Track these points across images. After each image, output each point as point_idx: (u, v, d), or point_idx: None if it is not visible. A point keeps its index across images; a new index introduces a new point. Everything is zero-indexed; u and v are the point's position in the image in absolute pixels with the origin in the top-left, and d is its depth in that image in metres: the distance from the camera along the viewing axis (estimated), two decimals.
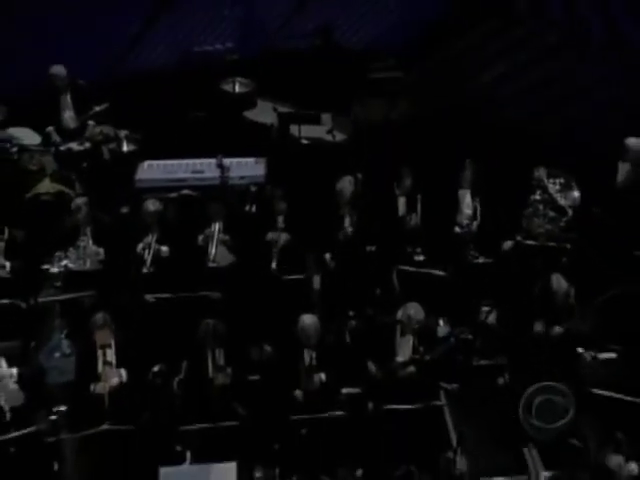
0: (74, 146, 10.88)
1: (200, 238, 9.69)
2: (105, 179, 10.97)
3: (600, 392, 7.82)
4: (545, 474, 7.66)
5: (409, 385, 8.12)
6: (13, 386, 7.78)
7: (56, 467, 7.66)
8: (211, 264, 9.54)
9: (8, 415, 7.64)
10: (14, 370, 7.88)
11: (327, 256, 9.82)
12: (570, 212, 9.84)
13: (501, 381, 8.56)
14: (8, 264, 9.26)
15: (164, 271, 9.39)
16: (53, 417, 7.66)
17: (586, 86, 11.85)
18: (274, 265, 9.57)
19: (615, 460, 7.00)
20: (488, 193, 10.05)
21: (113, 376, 8.00)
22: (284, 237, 9.74)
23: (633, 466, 7.05)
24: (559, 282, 8.70)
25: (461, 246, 9.86)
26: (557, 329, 8.63)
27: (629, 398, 7.66)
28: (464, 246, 9.85)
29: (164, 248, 9.41)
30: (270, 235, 9.80)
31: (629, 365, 8.28)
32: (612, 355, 8.31)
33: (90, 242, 9.49)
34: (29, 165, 10.78)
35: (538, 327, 8.69)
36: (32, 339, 8.81)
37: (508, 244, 9.72)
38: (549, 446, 7.89)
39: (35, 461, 7.60)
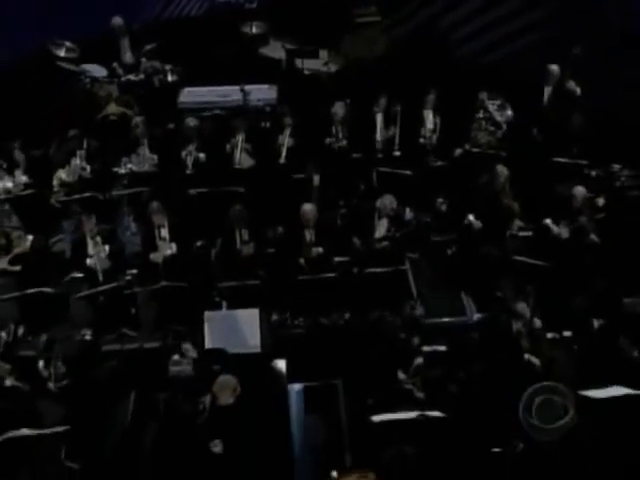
0: (132, 77, 11.05)
1: (228, 146, 9.81)
2: (156, 102, 11.03)
3: (518, 258, 8.13)
4: (477, 315, 8.29)
5: (383, 255, 8.53)
6: (104, 256, 8.20)
7: (133, 311, 8.30)
8: (236, 166, 9.73)
9: (100, 275, 8.11)
10: (107, 246, 8.28)
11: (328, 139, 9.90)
12: (505, 127, 9.90)
13: (450, 251, 8.97)
14: (88, 167, 9.47)
15: (202, 172, 9.59)
16: (128, 277, 8.21)
17: (523, 28, 11.64)
18: (282, 160, 9.76)
19: (520, 305, 7.31)
20: (445, 112, 10.02)
21: (166, 248, 8.43)
22: (290, 142, 9.81)
23: (522, 305, 7.35)
24: (502, 170, 8.82)
25: (424, 153, 9.92)
26: (477, 222, 8.65)
27: (538, 262, 8.00)
28: (426, 153, 9.92)
29: (201, 155, 9.56)
30: (280, 139, 9.84)
31: (541, 239, 8.55)
32: (529, 233, 8.67)
33: (147, 150, 9.65)
34: (99, 92, 10.91)
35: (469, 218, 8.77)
36: (109, 223, 9.05)
37: (459, 151, 9.87)
38: (480, 295, 8.44)
39: (118, 307, 8.15)
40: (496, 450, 6.55)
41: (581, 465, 6.46)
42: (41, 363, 7.02)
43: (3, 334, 7.70)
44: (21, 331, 8.00)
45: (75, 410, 6.78)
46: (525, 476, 6.49)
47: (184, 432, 6.65)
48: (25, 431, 6.24)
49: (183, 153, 9.65)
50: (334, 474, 6.11)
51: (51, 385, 7.01)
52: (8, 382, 6.88)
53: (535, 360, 7.11)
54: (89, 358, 7.57)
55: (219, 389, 6.56)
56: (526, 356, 7.16)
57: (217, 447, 6.38)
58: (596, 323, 7.55)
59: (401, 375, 7.14)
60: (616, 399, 6.46)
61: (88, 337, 7.92)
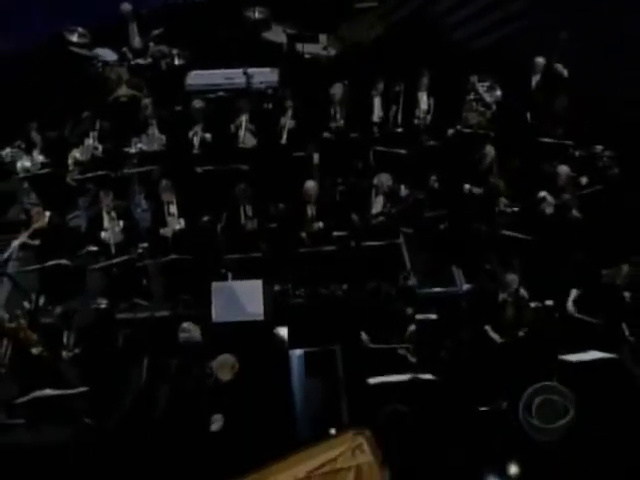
0: (141, 61, 11.15)
1: (232, 127, 9.81)
2: (163, 85, 11.08)
3: (506, 233, 8.28)
4: (466, 286, 8.45)
5: (379, 229, 8.69)
6: (118, 230, 8.35)
7: (144, 282, 8.47)
8: (241, 145, 9.76)
9: (112, 248, 8.28)
10: (121, 222, 8.43)
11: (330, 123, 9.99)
12: (494, 107, 10.05)
13: (442, 226, 8.92)
14: (100, 147, 9.55)
15: (207, 151, 9.67)
16: (140, 250, 8.39)
17: (514, 15, 11.73)
18: (284, 140, 9.81)
19: (510, 277, 7.41)
20: (438, 94, 10.08)
21: (175, 223, 8.56)
22: (291, 123, 9.86)
23: (512, 276, 7.45)
24: (490, 150, 8.99)
25: (418, 133, 9.99)
26: (477, 189, 8.89)
27: (524, 237, 8.19)
28: (420, 133, 9.99)
29: (207, 135, 9.63)
30: (282, 120, 9.87)
31: (527, 215, 8.63)
32: (516, 208, 8.70)
33: (156, 131, 9.73)
34: (110, 75, 11.01)
35: (466, 186, 9.00)
36: (122, 200, 8.98)
37: (451, 131, 9.97)
38: (470, 267, 8.59)
39: (130, 278, 8.33)
40: (482, 409, 6.85)
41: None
42: (65, 333, 7.22)
43: (26, 303, 7.91)
44: (42, 301, 8.20)
45: (94, 373, 7.00)
46: (509, 433, 6.74)
47: (194, 393, 6.85)
48: (49, 391, 6.50)
49: (190, 133, 9.72)
50: (332, 431, 6.40)
51: (64, 353, 7.21)
52: (35, 351, 7.08)
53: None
54: (105, 326, 7.76)
55: (218, 367, 6.79)
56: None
57: (216, 423, 6.63)
58: (575, 293, 7.67)
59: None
60: (592, 362, 6.70)
61: (103, 306, 8.09)
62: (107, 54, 11.17)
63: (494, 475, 6.56)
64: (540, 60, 10.02)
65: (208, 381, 6.90)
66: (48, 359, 7.04)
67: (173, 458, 6.55)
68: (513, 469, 6.54)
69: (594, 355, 6.73)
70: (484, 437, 6.71)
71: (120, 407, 7.15)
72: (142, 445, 6.75)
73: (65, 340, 7.26)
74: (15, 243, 8.24)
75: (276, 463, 5.88)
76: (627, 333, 7.23)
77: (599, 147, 9.30)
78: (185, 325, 7.36)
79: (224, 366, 6.82)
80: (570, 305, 7.59)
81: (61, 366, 7.03)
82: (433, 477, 6.53)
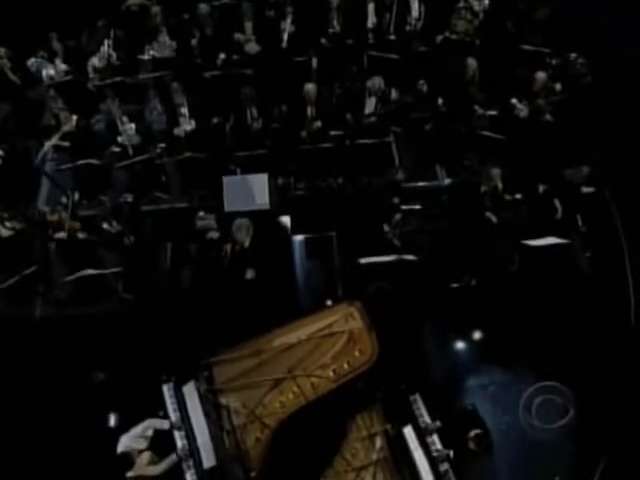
0: None
1: (236, 36, 9.99)
2: None
3: (484, 133, 8.71)
4: (447, 180, 8.95)
5: (371, 129, 9.10)
6: (132, 132, 8.86)
7: (163, 178, 8.93)
8: (246, 49, 9.93)
9: (130, 149, 8.85)
10: (132, 124, 8.96)
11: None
12: (481, 16, 10.02)
13: (427, 127, 9.20)
14: (114, 54, 9.83)
15: (215, 57, 9.87)
16: (158, 150, 8.89)
17: None
18: (284, 44, 10.02)
19: (494, 171, 7.98)
20: (429, 1, 10.06)
21: (186, 124, 9.02)
22: (291, 28, 10.05)
23: (496, 171, 8.05)
24: (472, 62, 9.26)
25: (409, 39, 10.08)
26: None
27: (500, 137, 8.63)
28: (411, 39, 10.08)
29: (214, 42, 9.79)
30: (282, 25, 10.03)
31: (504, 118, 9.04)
32: (494, 112, 9.08)
33: (166, 37, 9.93)
34: None
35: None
36: (139, 104, 9.37)
37: (440, 37, 10.03)
38: (450, 164, 9.05)
39: (151, 175, 8.81)
40: (454, 285, 7.71)
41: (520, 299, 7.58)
42: (105, 222, 7.95)
43: (64, 199, 8.46)
44: (77, 196, 8.70)
45: (127, 256, 7.83)
46: (475, 307, 7.63)
47: (211, 273, 7.69)
48: (90, 271, 7.34)
49: (194, 41, 9.92)
50: (329, 303, 7.18)
51: (125, 240, 7.95)
52: (81, 235, 7.80)
53: (493, 217, 7.95)
54: (132, 216, 8.38)
55: (236, 229, 7.47)
56: (487, 214, 7.97)
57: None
58: (541, 188, 8.23)
59: (386, 227, 7.97)
60: (550, 246, 7.51)
61: (130, 200, 8.58)
62: None
63: (460, 338, 7.53)
64: None
65: (223, 260, 7.62)
66: (91, 243, 7.75)
67: (193, 326, 7.32)
68: (477, 335, 7.50)
69: (552, 240, 7.48)
70: (454, 308, 7.55)
71: (151, 286, 7.90)
72: (168, 315, 7.53)
73: (108, 227, 7.95)
74: (48, 144, 8.73)
75: (283, 327, 6.78)
76: (580, 223, 7.93)
77: (573, 55, 9.40)
78: (201, 214, 8.07)
79: (241, 228, 7.46)
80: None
81: (99, 250, 7.79)
82: (411, 340, 7.38)
